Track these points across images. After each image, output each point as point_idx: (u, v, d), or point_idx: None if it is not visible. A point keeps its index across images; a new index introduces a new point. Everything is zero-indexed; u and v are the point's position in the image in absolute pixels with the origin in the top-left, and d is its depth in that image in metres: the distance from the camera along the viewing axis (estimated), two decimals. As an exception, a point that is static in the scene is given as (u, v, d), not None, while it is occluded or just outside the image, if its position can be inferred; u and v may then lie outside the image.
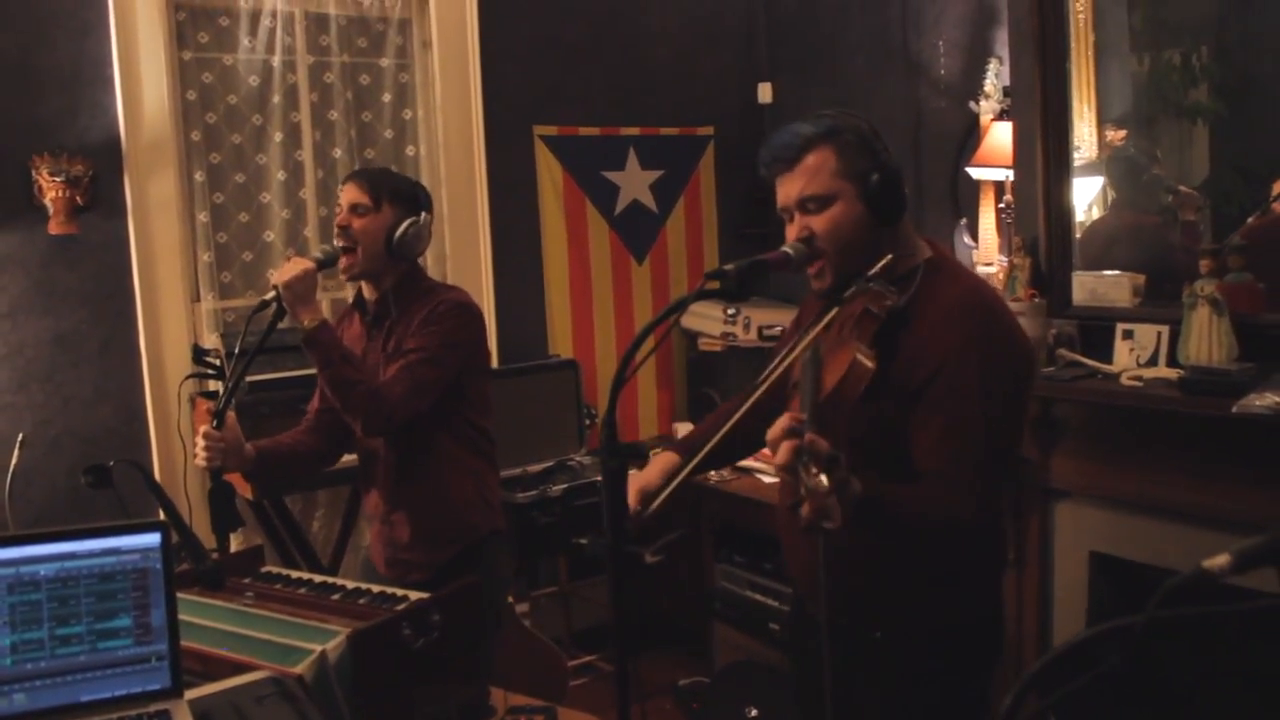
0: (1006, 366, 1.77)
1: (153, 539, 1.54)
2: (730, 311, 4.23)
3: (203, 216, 3.51)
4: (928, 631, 1.89)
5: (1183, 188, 3.37)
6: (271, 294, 2.31)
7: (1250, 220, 3.24)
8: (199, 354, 3.30)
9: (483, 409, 2.58)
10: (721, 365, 4.37)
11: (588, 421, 4.10)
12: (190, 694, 1.55)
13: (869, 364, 1.67)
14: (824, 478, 1.36)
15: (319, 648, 1.83)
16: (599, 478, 3.75)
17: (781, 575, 3.65)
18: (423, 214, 2.48)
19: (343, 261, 2.43)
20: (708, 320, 4.39)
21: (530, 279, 4.17)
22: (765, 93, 4.57)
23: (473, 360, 2.51)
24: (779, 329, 4.27)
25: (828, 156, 1.80)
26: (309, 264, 2.34)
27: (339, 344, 2.36)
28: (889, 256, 1.81)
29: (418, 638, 1.95)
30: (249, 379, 3.15)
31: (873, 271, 1.81)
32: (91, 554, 1.51)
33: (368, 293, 2.54)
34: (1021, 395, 1.82)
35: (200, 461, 2.30)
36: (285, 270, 2.31)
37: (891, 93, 4.10)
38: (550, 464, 3.87)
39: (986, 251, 3.59)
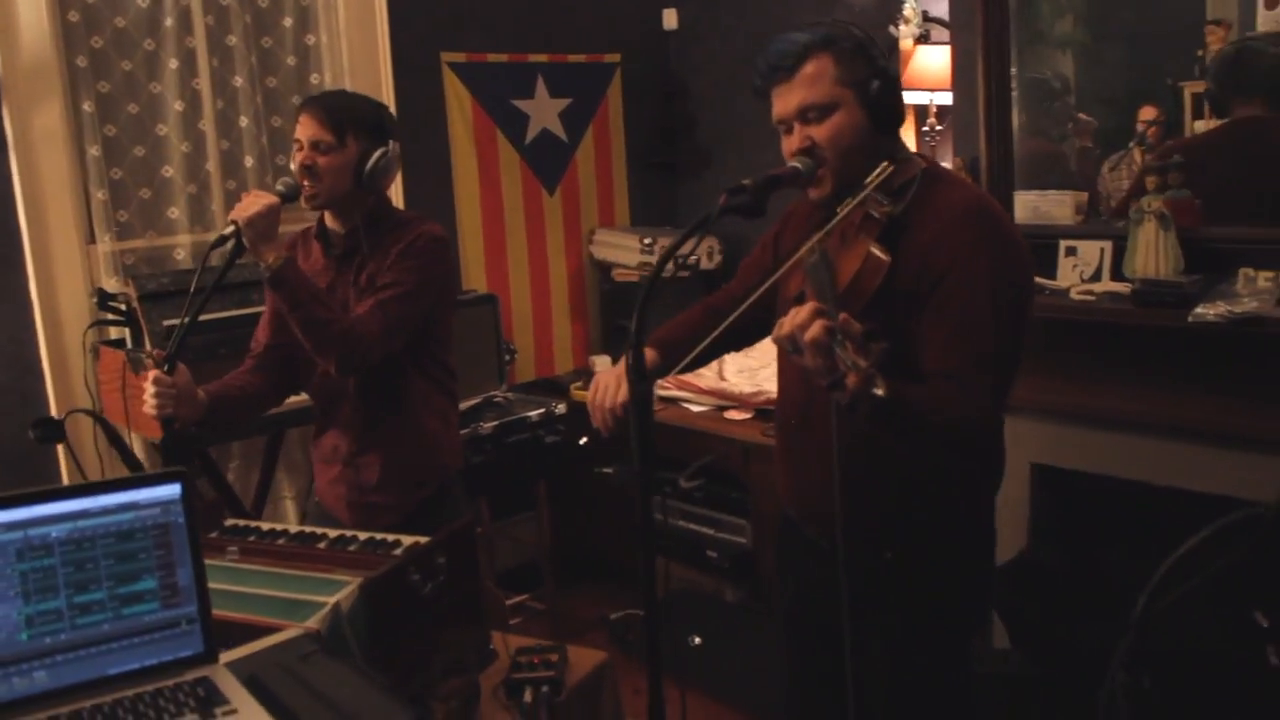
0: (1013, 269, 1.78)
1: (172, 490, 1.41)
2: (647, 241, 4.17)
3: (94, 150, 3.21)
4: (936, 550, 1.92)
5: (1081, 115, 3.48)
6: (230, 229, 2.12)
7: (1132, 146, 3.44)
8: (104, 299, 3.05)
9: (448, 345, 2.48)
10: (637, 296, 4.30)
11: (507, 357, 3.99)
12: (223, 658, 1.43)
13: (884, 257, 1.68)
14: (861, 357, 1.38)
15: (330, 600, 1.72)
16: (530, 413, 3.70)
17: (716, 503, 3.67)
18: (391, 142, 2.31)
19: (305, 189, 2.26)
20: (622, 250, 4.32)
21: (441, 212, 4.00)
22: (670, 19, 4.47)
23: (443, 296, 2.40)
24: (696, 258, 4.23)
25: (827, 64, 1.77)
26: (273, 199, 2.15)
27: (307, 282, 2.20)
28: (886, 165, 1.80)
29: (425, 583, 1.87)
30: (167, 323, 2.94)
31: (870, 180, 1.80)
32: (106, 510, 1.37)
33: (332, 224, 2.38)
34: (1025, 300, 1.83)
35: (151, 411, 2.12)
36: (247, 205, 2.12)
37: (805, 18, 4.06)
38: (477, 401, 3.76)
39: (908, 175, 3.64)
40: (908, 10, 3.61)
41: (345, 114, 2.27)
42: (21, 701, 1.29)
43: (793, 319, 1.49)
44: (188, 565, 1.41)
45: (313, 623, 1.65)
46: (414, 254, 2.29)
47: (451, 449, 2.51)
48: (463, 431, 3.52)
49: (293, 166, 2.29)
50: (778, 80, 1.80)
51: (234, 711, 1.28)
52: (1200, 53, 3.91)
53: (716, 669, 3.44)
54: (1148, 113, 3.88)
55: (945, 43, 3.60)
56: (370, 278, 2.30)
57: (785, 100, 1.80)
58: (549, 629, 3.84)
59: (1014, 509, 3.11)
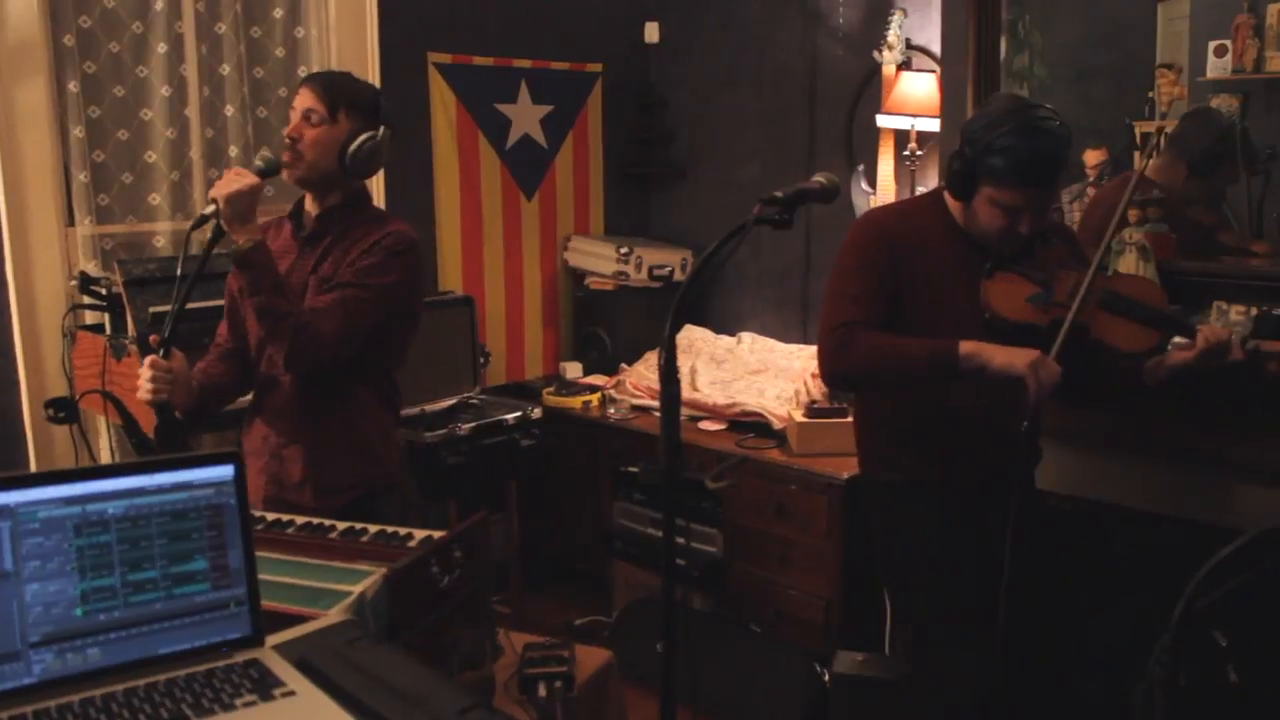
0: None
1: (226, 471, 1.40)
2: (624, 250, 4.21)
3: (78, 131, 3.15)
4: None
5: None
6: (211, 208, 2.08)
7: (1089, 184, 3.58)
8: (86, 283, 2.99)
9: (399, 359, 2.40)
10: (611, 304, 4.34)
11: (482, 360, 3.99)
12: (269, 641, 1.43)
13: None
14: None
15: (355, 589, 1.73)
16: (505, 416, 3.70)
17: (687, 512, 3.69)
18: (381, 128, 2.28)
19: (285, 159, 2.22)
20: (597, 259, 4.35)
21: (421, 211, 3.99)
22: (652, 32, 4.52)
23: (404, 305, 2.31)
24: (669, 269, 4.28)
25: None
26: (254, 179, 2.10)
27: (273, 269, 2.15)
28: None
29: (444, 575, 1.88)
30: (154, 310, 2.90)
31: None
32: (161, 489, 1.36)
33: (310, 205, 2.34)
34: None
35: (146, 396, 2.09)
36: (227, 182, 2.07)
37: (787, 39, 4.15)
38: (452, 402, 3.76)
39: (884, 198, 3.72)
40: (891, 37, 3.70)
41: (342, 90, 2.25)
42: (76, 678, 1.28)
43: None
44: (238, 547, 1.40)
45: (335, 611, 1.65)
46: (378, 252, 2.23)
47: (382, 460, 2.39)
48: (440, 432, 3.52)
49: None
50: (1043, 185, 2.18)
51: (292, 693, 1.28)
52: (1150, 94, 4.07)
53: (682, 676, 3.46)
54: (1093, 156, 4.03)
55: (928, 70, 3.70)
56: (333, 268, 2.25)
57: (1035, 200, 2.18)
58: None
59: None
